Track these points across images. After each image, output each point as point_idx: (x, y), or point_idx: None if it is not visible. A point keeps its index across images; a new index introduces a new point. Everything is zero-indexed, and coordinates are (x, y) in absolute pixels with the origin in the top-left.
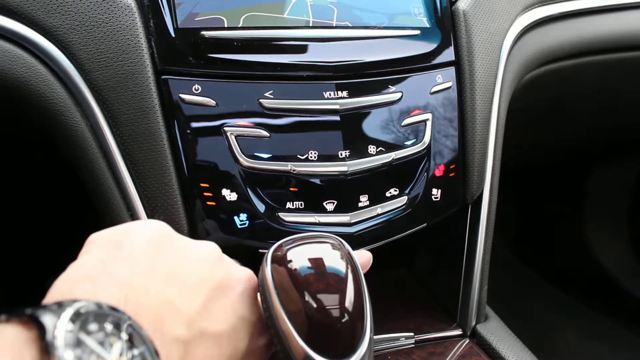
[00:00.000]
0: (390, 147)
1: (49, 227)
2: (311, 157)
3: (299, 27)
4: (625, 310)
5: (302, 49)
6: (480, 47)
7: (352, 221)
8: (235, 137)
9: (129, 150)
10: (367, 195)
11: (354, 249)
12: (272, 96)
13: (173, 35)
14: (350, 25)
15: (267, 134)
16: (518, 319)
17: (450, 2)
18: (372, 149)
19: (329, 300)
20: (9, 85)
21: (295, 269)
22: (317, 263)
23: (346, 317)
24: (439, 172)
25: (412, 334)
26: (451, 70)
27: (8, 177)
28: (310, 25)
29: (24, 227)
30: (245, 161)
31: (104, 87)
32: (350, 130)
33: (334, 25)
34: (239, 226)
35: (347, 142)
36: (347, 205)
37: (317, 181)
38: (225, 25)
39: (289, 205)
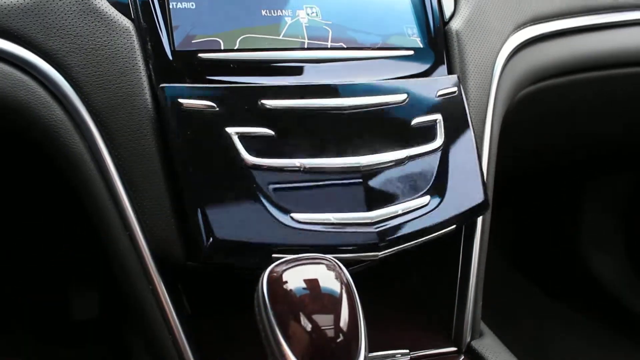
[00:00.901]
0: (402, 145)
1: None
2: (320, 154)
3: (294, 49)
4: (622, 324)
5: (298, 71)
6: (473, 66)
7: (374, 220)
8: (238, 136)
9: (126, 172)
10: (385, 194)
11: (378, 251)
12: (274, 97)
13: (170, 57)
14: (344, 46)
15: (272, 133)
16: (514, 332)
17: (443, 22)
18: (383, 145)
19: (324, 320)
20: (9, 108)
21: (291, 290)
22: (312, 284)
23: (341, 337)
24: (458, 172)
25: (407, 350)
26: (454, 78)
27: (7, 191)
28: (306, 46)
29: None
30: (250, 159)
31: (103, 109)
32: (359, 129)
33: (329, 46)
34: (249, 231)
35: (357, 140)
36: (364, 204)
37: (330, 178)
38: (222, 48)
39: (301, 204)
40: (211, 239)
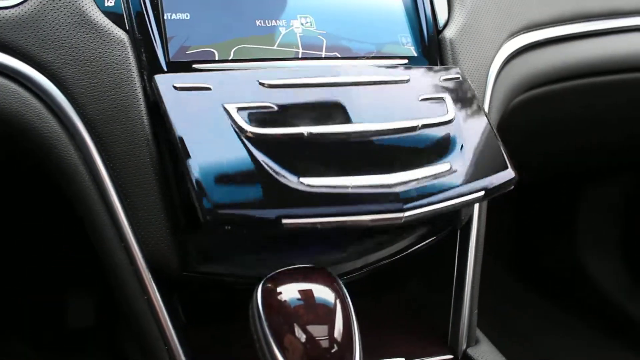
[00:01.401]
0: (413, 115)
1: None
2: (326, 122)
3: (288, 59)
4: (620, 330)
5: None
6: (467, 74)
7: (395, 182)
8: (237, 109)
9: (121, 183)
10: (402, 160)
11: (402, 212)
12: (273, 76)
13: (165, 68)
14: (339, 55)
15: (272, 105)
16: (510, 339)
17: (437, 31)
18: (392, 115)
19: (319, 331)
20: (4, 120)
21: (285, 301)
22: (306, 295)
23: (335, 348)
24: (477, 144)
25: (403, 358)
26: (456, 68)
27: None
28: (300, 56)
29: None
30: (251, 128)
31: (98, 120)
32: (363, 101)
33: (323, 56)
34: (254, 195)
35: (364, 112)
36: (380, 169)
37: (339, 145)
38: (217, 58)
39: (310, 171)
40: (213, 204)
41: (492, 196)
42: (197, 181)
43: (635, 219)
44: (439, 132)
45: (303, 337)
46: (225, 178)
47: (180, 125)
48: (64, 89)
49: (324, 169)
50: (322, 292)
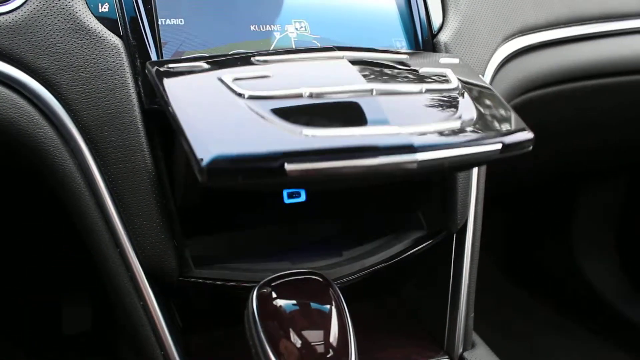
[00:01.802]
0: (416, 82)
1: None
2: (326, 83)
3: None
4: (616, 333)
5: None
6: None
7: (405, 131)
8: (233, 79)
9: (116, 189)
10: (410, 116)
11: (414, 152)
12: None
13: None
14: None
15: (269, 74)
16: (507, 343)
17: (432, 35)
18: (394, 80)
19: (314, 336)
20: None
21: (281, 306)
22: (302, 300)
23: (331, 353)
24: (487, 109)
25: None
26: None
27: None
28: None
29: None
30: (249, 92)
31: (92, 126)
32: (365, 71)
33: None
34: (254, 143)
35: (366, 77)
36: (388, 122)
37: (341, 104)
38: None
39: (313, 122)
40: (211, 156)
41: (509, 154)
42: (192, 136)
43: (630, 221)
44: (446, 97)
45: (298, 343)
46: (223, 132)
47: (176, 97)
48: (58, 95)
49: (328, 122)
50: (318, 297)
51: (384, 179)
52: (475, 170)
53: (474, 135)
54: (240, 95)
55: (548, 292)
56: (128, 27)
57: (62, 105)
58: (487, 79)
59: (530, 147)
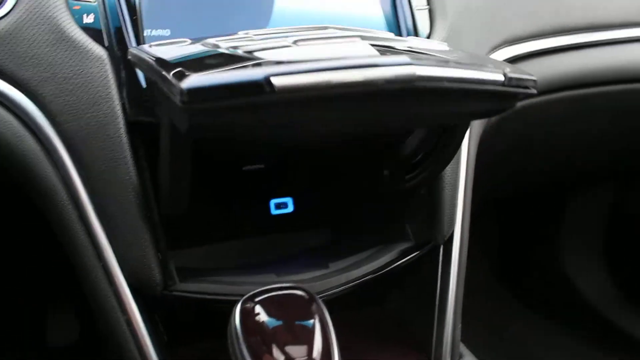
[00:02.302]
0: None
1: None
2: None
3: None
4: (607, 340)
5: None
6: None
7: (402, 46)
8: (216, 41)
9: (100, 202)
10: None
11: (413, 65)
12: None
13: (144, 85)
14: None
15: (253, 37)
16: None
17: None
18: (383, 38)
19: (298, 351)
20: None
21: (264, 321)
22: (285, 315)
23: None
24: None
25: None
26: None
27: None
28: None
29: None
30: (229, 44)
31: (76, 138)
32: (350, 32)
33: None
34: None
35: (352, 33)
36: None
37: (330, 43)
38: None
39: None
40: (192, 78)
41: (510, 89)
42: (169, 70)
43: (617, 228)
44: (440, 50)
45: (282, 358)
46: (203, 65)
47: (153, 52)
48: (41, 106)
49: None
50: (301, 312)
51: (380, 106)
52: (461, 181)
53: (474, 65)
54: (222, 47)
55: (540, 298)
56: (113, 37)
57: (45, 116)
58: None
59: (535, 91)
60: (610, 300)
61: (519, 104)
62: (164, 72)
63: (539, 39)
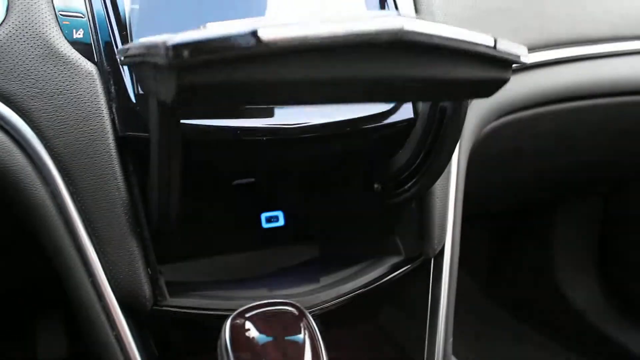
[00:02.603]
0: None
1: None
2: None
3: None
4: (597, 349)
5: (266, 113)
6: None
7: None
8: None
9: (89, 217)
10: None
11: (402, 24)
12: None
13: (134, 100)
14: None
15: None
16: None
17: None
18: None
19: None
20: None
21: (254, 337)
22: (275, 331)
23: None
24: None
25: None
26: None
27: None
28: None
29: None
30: None
31: (65, 154)
32: None
33: None
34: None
35: None
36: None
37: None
38: None
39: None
40: (178, 37)
41: (500, 54)
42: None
43: (608, 239)
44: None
45: None
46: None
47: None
48: (30, 121)
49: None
50: (291, 328)
51: (369, 67)
52: (451, 194)
53: (464, 29)
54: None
55: (532, 312)
56: (103, 53)
57: (34, 132)
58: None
59: (527, 60)
60: (602, 312)
61: (509, 117)
62: (151, 41)
63: (528, 53)
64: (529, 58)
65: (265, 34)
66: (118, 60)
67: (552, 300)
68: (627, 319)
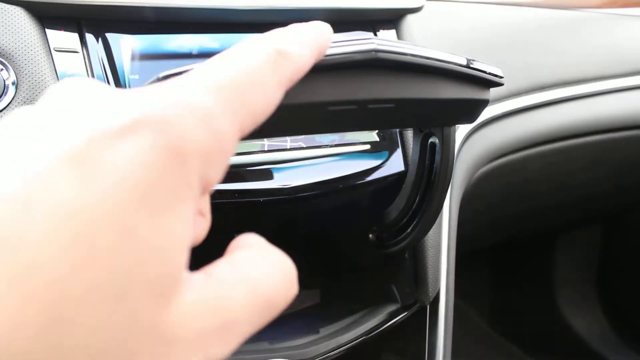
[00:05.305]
0: None
1: None
2: None
3: (254, 152)
4: None
5: (259, 175)
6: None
7: None
8: None
9: None
10: None
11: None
12: None
13: None
14: (304, 145)
15: None
16: None
17: None
18: None
19: None
20: None
21: None
22: None
23: None
24: None
25: None
26: None
27: None
28: (266, 149)
29: None
30: None
31: None
32: None
33: (289, 147)
34: None
35: None
36: None
37: None
38: None
39: None
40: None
41: (474, 72)
42: None
43: (608, 269)
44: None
45: None
46: None
47: None
48: None
49: None
50: None
51: (349, 86)
52: (444, 241)
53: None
54: None
55: (535, 343)
56: None
57: None
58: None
59: (502, 81)
60: (604, 340)
61: (500, 160)
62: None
63: (514, 97)
64: (505, 80)
65: None
66: None
67: (555, 331)
68: (629, 345)
